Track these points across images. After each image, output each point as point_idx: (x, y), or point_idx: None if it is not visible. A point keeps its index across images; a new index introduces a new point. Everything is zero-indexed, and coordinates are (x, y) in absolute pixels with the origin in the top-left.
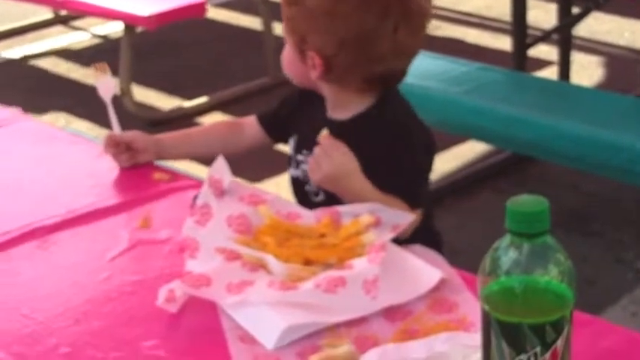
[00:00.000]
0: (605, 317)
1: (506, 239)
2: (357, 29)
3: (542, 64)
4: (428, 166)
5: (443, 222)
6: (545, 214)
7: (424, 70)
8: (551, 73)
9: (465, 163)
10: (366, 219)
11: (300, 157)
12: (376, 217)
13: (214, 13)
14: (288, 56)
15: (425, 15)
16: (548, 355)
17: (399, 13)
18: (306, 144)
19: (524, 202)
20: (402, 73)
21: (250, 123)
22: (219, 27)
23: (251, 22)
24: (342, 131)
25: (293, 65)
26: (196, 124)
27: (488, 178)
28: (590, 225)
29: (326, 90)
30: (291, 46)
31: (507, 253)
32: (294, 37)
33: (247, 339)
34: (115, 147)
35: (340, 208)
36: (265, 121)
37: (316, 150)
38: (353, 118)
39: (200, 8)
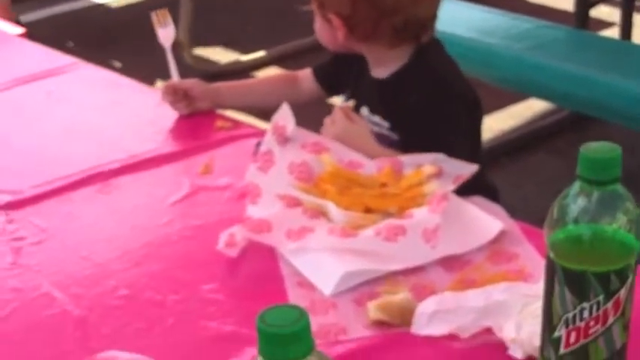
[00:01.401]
0: None
1: (576, 186)
2: None
3: (604, 25)
4: (471, 121)
5: (498, 181)
6: (617, 161)
7: (486, 27)
8: (612, 34)
9: (523, 121)
10: (428, 169)
11: (349, 105)
12: (438, 168)
13: None
14: (318, 26)
15: None
16: (610, 304)
17: None
18: (355, 104)
19: (597, 148)
20: (428, 21)
21: (306, 76)
22: None
23: None
24: (382, 90)
25: (324, 33)
26: (256, 78)
27: (546, 138)
28: None
29: (361, 50)
30: (316, 13)
31: (576, 200)
32: (315, 3)
33: (305, 284)
34: (173, 94)
35: (402, 158)
36: (320, 75)
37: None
38: (392, 75)
39: None
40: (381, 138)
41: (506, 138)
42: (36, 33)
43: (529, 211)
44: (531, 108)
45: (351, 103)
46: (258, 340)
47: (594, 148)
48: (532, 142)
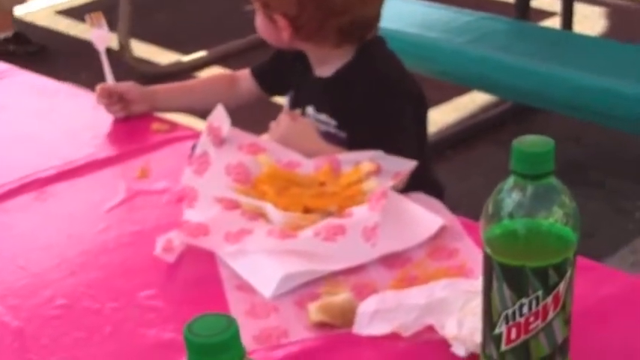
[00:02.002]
0: None
1: (510, 181)
2: None
3: (545, 15)
4: (417, 116)
5: (443, 174)
6: (550, 154)
7: (427, 21)
8: (553, 23)
9: (467, 114)
10: (366, 166)
11: (297, 112)
12: (377, 165)
13: None
14: (260, 24)
15: None
16: (550, 299)
17: None
18: (298, 104)
19: (530, 142)
20: (373, 20)
21: (245, 76)
22: None
23: None
24: (327, 89)
25: (267, 32)
26: (194, 79)
27: (490, 130)
28: (591, 175)
29: (305, 49)
30: (259, 13)
31: (511, 195)
32: (259, 4)
33: (245, 288)
34: (108, 97)
35: (340, 156)
36: (259, 75)
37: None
38: (336, 74)
39: None
40: (328, 136)
41: (451, 131)
42: None
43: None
44: (474, 100)
45: (298, 110)
46: (187, 350)
47: (527, 142)
48: (476, 135)
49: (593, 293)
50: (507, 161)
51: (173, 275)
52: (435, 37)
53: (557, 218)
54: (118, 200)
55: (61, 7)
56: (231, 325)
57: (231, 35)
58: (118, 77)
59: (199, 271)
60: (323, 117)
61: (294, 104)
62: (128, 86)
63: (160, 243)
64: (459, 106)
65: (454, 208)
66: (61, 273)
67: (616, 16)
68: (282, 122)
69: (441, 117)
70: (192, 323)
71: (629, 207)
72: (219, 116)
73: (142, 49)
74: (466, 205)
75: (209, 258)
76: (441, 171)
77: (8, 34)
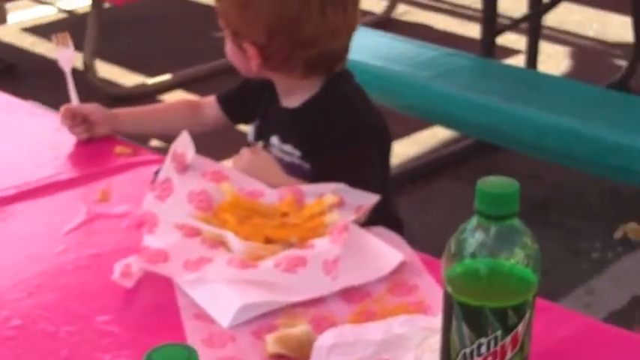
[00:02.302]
0: None
1: (473, 221)
2: (281, 15)
3: (510, 52)
4: (380, 151)
5: (403, 207)
6: (515, 196)
7: (392, 54)
8: (518, 61)
9: (428, 149)
10: (329, 199)
11: (259, 144)
12: (340, 198)
13: None
14: (230, 51)
15: None
16: (508, 339)
17: None
18: (263, 133)
19: (495, 183)
20: (342, 52)
21: (210, 103)
22: (186, 5)
23: None
24: (293, 119)
25: (236, 59)
26: (159, 102)
27: (451, 165)
28: (550, 215)
29: (272, 79)
30: (229, 40)
31: (474, 234)
32: (230, 31)
33: (203, 317)
34: (72, 118)
35: (304, 187)
36: (224, 103)
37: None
38: (303, 105)
39: None
40: (292, 167)
41: (412, 165)
42: None
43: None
44: (436, 135)
45: (261, 143)
46: None
47: (492, 183)
48: (437, 169)
49: (550, 334)
50: (467, 197)
51: (130, 301)
52: (400, 71)
53: (518, 259)
54: (77, 222)
55: (27, 25)
56: (192, 356)
57: (197, 60)
58: (82, 97)
59: (157, 298)
60: (288, 147)
61: (259, 133)
62: (92, 108)
63: (118, 268)
64: (420, 140)
65: (413, 242)
66: (18, 294)
67: (581, 56)
68: (244, 156)
69: (402, 150)
70: (152, 353)
71: (586, 247)
72: (184, 142)
73: (106, 70)
74: (424, 239)
75: (167, 285)
76: (401, 204)
77: None
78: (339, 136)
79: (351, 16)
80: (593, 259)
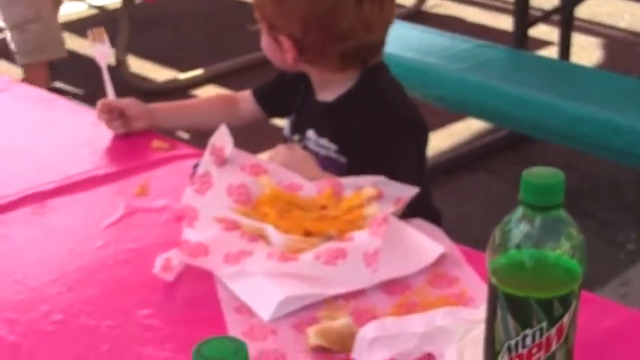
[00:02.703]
0: None
1: (519, 212)
2: (317, 8)
3: (542, 44)
4: (417, 144)
5: (437, 199)
6: (560, 186)
7: (424, 47)
8: (550, 53)
9: (462, 141)
10: (368, 191)
11: (295, 138)
12: (378, 190)
13: None
14: (266, 44)
15: None
16: (554, 330)
17: None
18: (299, 127)
19: (540, 173)
20: (378, 46)
21: (245, 97)
22: (216, 0)
23: None
24: (329, 113)
25: (272, 52)
26: (191, 97)
27: (485, 157)
28: (585, 206)
29: (308, 72)
30: (265, 33)
31: (519, 226)
32: (265, 24)
33: (243, 310)
34: (109, 113)
35: (343, 180)
36: (260, 97)
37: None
38: (337, 99)
39: None
40: (328, 161)
41: (446, 157)
42: None
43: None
44: (470, 127)
45: (297, 137)
46: None
47: (537, 174)
48: (471, 161)
49: (593, 326)
50: (502, 189)
51: (171, 295)
52: (433, 63)
53: (564, 250)
54: (116, 217)
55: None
56: (241, 349)
57: (229, 54)
58: (115, 93)
59: (197, 292)
60: (324, 141)
61: (295, 127)
62: (129, 102)
63: (158, 262)
64: (454, 132)
65: (448, 233)
66: (59, 288)
67: (613, 47)
68: (281, 152)
69: (435, 142)
70: (202, 346)
71: (621, 238)
72: (223, 136)
73: (139, 66)
74: (460, 231)
75: (208, 278)
76: (436, 196)
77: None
78: (375, 130)
79: (388, 11)
80: (628, 249)
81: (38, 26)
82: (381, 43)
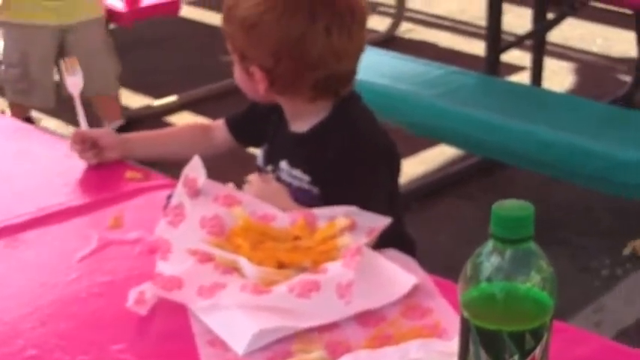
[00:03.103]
0: None
1: (489, 245)
2: (287, 37)
3: (515, 69)
4: (390, 174)
5: (410, 226)
6: (529, 219)
7: (397, 73)
8: (523, 78)
9: (434, 167)
10: (341, 222)
11: (268, 169)
12: (352, 221)
13: (188, 12)
14: (238, 75)
15: (357, 13)
16: None
17: (328, 15)
18: (272, 158)
19: (510, 206)
20: (349, 76)
21: (219, 127)
22: (193, 25)
23: None
24: (301, 144)
25: (244, 83)
26: (165, 123)
27: (457, 183)
28: (558, 233)
29: (281, 103)
30: (237, 64)
31: (490, 258)
32: (237, 55)
33: (217, 343)
34: (81, 144)
35: (316, 211)
36: (233, 126)
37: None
38: (310, 130)
39: (174, 6)
40: (301, 192)
41: (418, 183)
42: None
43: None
44: (443, 153)
45: (270, 168)
46: None
47: (507, 207)
48: (444, 188)
49: (566, 356)
50: (474, 215)
51: (145, 328)
52: (406, 90)
53: (534, 283)
54: (90, 249)
55: None
56: None
57: (203, 81)
58: (88, 120)
59: (171, 325)
60: (297, 172)
61: (268, 158)
62: (102, 132)
63: (132, 295)
64: (427, 158)
65: (421, 260)
66: (33, 323)
67: (585, 71)
68: (254, 184)
69: (408, 169)
70: None
71: (595, 265)
72: (196, 167)
73: None
74: (432, 257)
75: (181, 312)
76: (408, 223)
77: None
78: (348, 161)
79: (357, 40)
80: (602, 276)
81: None
82: (352, 72)
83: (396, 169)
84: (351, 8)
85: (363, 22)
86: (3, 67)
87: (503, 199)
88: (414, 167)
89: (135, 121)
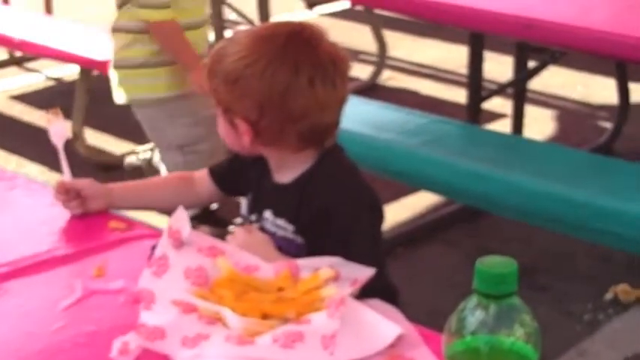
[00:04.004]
0: None
1: (473, 299)
2: (271, 90)
3: (496, 116)
4: (373, 225)
5: (392, 272)
6: (513, 275)
7: (380, 122)
8: (503, 125)
9: (416, 213)
10: (325, 273)
11: (252, 218)
12: (335, 271)
13: None
14: (222, 128)
15: (339, 64)
16: None
17: (311, 67)
18: (256, 207)
19: (493, 263)
20: (333, 126)
21: (203, 177)
22: None
23: None
24: (285, 194)
25: (229, 136)
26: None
27: (439, 230)
28: (540, 279)
29: (266, 154)
30: (221, 117)
31: (474, 313)
32: (222, 108)
33: None
34: (65, 194)
35: (299, 262)
36: (217, 177)
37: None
38: (295, 181)
39: None
40: (285, 241)
41: (401, 230)
42: None
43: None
44: (425, 200)
45: (254, 218)
46: None
47: (490, 263)
48: (427, 234)
49: None
50: (456, 261)
51: None
52: (388, 139)
53: (518, 336)
54: (74, 299)
55: (15, 92)
56: None
57: None
58: (71, 165)
59: None
60: (281, 222)
61: (252, 207)
62: (86, 183)
63: (116, 345)
64: (409, 205)
65: (402, 306)
66: None
67: (565, 118)
68: (239, 235)
69: (391, 215)
70: None
71: (577, 309)
72: (180, 218)
73: (95, 138)
74: (414, 304)
75: None
76: (391, 269)
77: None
78: (332, 212)
79: (340, 89)
80: (584, 320)
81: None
82: (336, 123)
83: (378, 222)
84: (333, 59)
85: (344, 72)
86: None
87: (486, 245)
88: (397, 213)
89: (118, 166)
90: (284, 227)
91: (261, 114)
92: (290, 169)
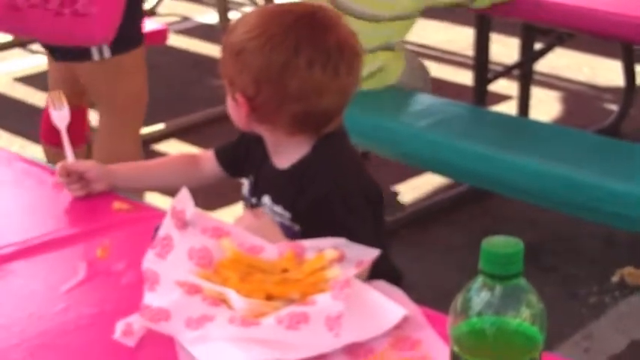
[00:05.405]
0: (557, 353)
1: (479, 280)
2: (268, 65)
3: (502, 98)
4: (373, 213)
5: (398, 254)
6: (519, 256)
7: (384, 104)
8: (509, 107)
9: (422, 195)
10: (330, 254)
11: (253, 201)
12: (340, 252)
13: (175, 40)
14: (228, 102)
15: (347, 53)
16: None
17: (312, 49)
18: (256, 191)
19: (499, 243)
20: (331, 114)
21: (207, 157)
22: (179, 54)
23: (210, 49)
24: (283, 181)
25: (232, 109)
26: (152, 151)
27: (445, 211)
28: (546, 260)
29: (261, 133)
30: (227, 90)
31: (479, 294)
32: (226, 81)
33: None
34: (68, 176)
35: (304, 243)
36: (222, 157)
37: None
38: (292, 167)
39: (161, 35)
40: (282, 228)
41: (407, 211)
42: None
43: (430, 284)
44: (431, 182)
45: (254, 205)
46: None
47: (496, 243)
48: (432, 216)
49: None
50: (463, 242)
51: None
52: (395, 121)
53: (524, 318)
54: (77, 280)
55: (18, 74)
56: None
57: (190, 109)
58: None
59: (159, 357)
60: (278, 208)
61: (253, 191)
62: (88, 165)
63: (119, 327)
64: (415, 186)
65: (407, 288)
66: (21, 353)
67: (571, 100)
68: (246, 219)
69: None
70: None
71: (583, 292)
72: (184, 199)
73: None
74: (419, 285)
75: (169, 344)
76: (396, 251)
77: None
78: (329, 200)
79: (344, 78)
80: (590, 303)
81: None
82: (335, 111)
83: (378, 209)
84: (340, 46)
85: (352, 62)
86: None
87: (492, 226)
88: (403, 195)
89: None
90: (281, 214)
91: (257, 90)
92: (286, 154)
